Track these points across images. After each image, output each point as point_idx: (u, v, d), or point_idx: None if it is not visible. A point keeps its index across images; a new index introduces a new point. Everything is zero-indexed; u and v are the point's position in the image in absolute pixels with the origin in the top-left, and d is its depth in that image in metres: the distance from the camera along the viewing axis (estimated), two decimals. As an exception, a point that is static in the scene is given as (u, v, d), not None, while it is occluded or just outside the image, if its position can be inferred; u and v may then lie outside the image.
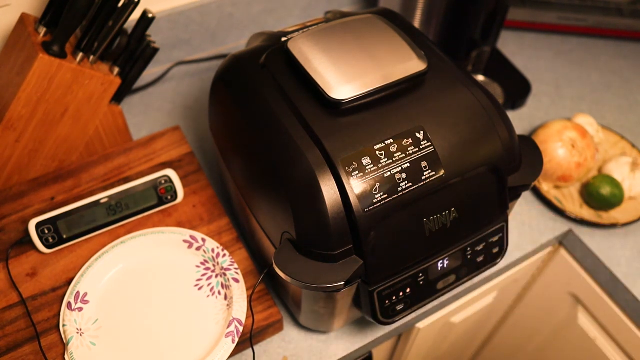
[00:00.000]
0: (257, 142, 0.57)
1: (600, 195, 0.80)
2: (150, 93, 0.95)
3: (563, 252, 0.87)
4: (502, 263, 0.78)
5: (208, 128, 0.90)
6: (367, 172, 0.52)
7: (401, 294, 0.58)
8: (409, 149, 0.54)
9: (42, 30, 0.68)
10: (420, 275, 0.58)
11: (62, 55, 0.67)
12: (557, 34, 1.10)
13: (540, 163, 0.63)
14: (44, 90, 0.68)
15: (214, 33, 0.98)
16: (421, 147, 0.54)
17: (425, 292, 0.60)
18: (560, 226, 0.82)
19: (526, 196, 0.85)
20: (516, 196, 0.63)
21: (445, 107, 0.57)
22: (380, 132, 0.54)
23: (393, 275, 0.56)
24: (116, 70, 0.74)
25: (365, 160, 0.52)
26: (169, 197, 0.73)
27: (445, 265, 0.60)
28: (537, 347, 1.08)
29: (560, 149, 0.80)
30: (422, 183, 0.53)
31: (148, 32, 0.76)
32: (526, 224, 0.82)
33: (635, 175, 0.83)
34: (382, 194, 0.52)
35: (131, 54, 0.74)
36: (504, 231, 0.63)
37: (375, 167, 0.52)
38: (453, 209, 0.56)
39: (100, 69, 0.72)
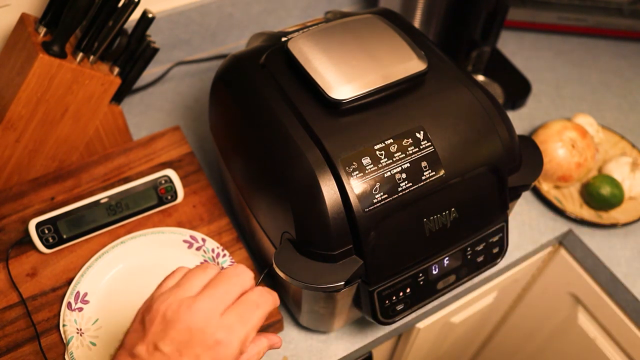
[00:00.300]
0: (257, 142, 0.57)
1: (600, 195, 0.80)
2: (150, 93, 0.95)
3: (563, 252, 0.87)
4: (502, 263, 0.78)
5: (208, 128, 0.90)
6: (367, 172, 0.52)
7: (401, 294, 0.58)
8: (409, 149, 0.54)
9: (42, 30, 0.68)
10: (420, 275, 0.58)
11: (62, 55, 0.67)
12: (557, 34, 1.10)
13: (540, 163, 0.63)
14: (44, 90, 0.68)
15: (214, 33, 0.98)
16: (421, 147, 0.54)
17: (425, 292, 0.60)
18: (560, 226, 0.82)
19: (526, 196, 0.85)
20: (516, 196, 0.63)
21: (445, 107, 0.57)
22: (380, 132, 0.54)
23: (393, 275, 0.56)
24: (116, 70, 0.74)
25: (365, 160, 0.52)
26: (169, 197, 0.73)
27: (445, 265, 0.60)
28: (537, 347, 1.08)
29: (560, 149, 0.80)
30: (422, 183, 0.53)
31: (148, 32, 0.76)
32: (526, 224, 0.82)
33: (635, 175, 0.83)
34: (382, 194, 0.52)
35: (131, 54, 0.74)
36: (504, 231, 0.63)
37: (375, 167, 0.52)
38: (453, 209, 0.56)
39: (100, 69, 0.72)
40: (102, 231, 0.71)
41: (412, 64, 0.57)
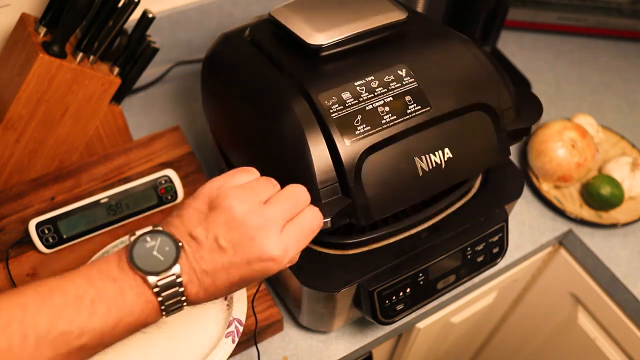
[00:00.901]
0: (242, 100, 0.57)
1: (600, 195, 0.80)
2: (150, 93, 0.95)
3: (563, 252, 0.87)
4: (502, 263, 0.78)
5: (208, 128, 0.90)
6: (347, 105, 0.51)
7: (401, 293, 0.58)
8: (391, 84, 0.53)
9: (42, 30, 0.68)
10: (420, 275, 0.58)
11: (62, 55, 0.67)
12: (557, 34, 1.10)
13: (539, 108, 0.61)
14: (44, 90, 0.68)
15: (214, 33, 0.98)
16: (404, 82, 0.53)
17: (425, 292, 0.60)
18: (560, 226, 0.82)
19: (526, 196, 0.85)
20: (516, 195, 0.63)
21: (429, 49, 0.57)
22: (360, 72, 0.54)
23: (385, 212, 0.54)
24: (116, 70, 0.74)
25: (346, 95, 0.52)
26: (169, 197, 0.73)
27: (445, 265, 0.60)
28: (537, 347, 1.08)
29: (560, 149, 0.80)
30: (408, 117, 0.52)
31: (148, 32, 0.76)
32: (526, 224, 0.82)
33: (635, 175, 0.83)
34: (364, 125, 0.51)
35: (131, 54, 0.74)
36: (503, 231, 0.63)
37: (356, 101, 0.52)
38: (446, 149, 0.55)
39: (100, 69, 0.72)
40: (102, 231, 0.71)
41: (392, 14, 0.57)
